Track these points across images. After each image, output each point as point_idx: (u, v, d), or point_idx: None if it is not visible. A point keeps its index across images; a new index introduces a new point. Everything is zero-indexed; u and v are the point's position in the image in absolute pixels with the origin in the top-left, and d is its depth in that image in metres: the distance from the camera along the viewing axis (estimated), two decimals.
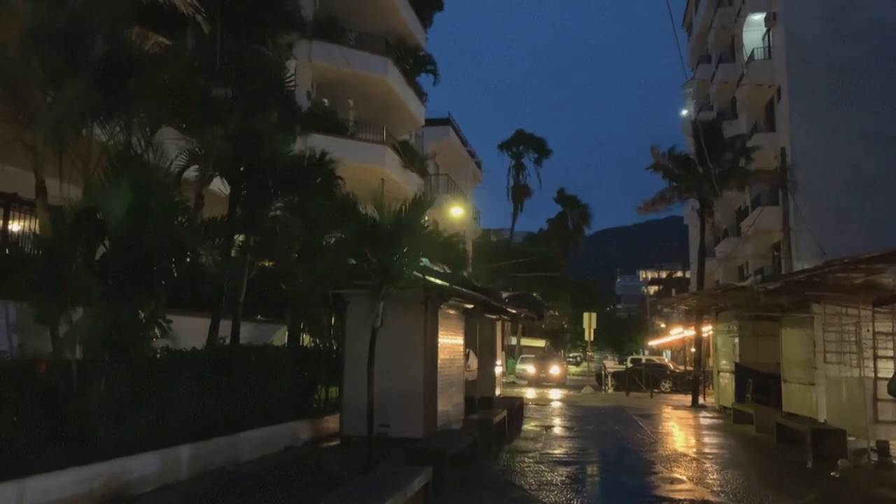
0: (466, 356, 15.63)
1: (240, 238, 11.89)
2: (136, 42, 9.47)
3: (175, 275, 9.35)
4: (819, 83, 29.33)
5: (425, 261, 11.49)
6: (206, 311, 11.55)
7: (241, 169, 11.37)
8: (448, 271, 11.03)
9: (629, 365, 38.35)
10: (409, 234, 9.96)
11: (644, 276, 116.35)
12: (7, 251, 9.80)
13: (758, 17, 32.92)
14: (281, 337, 15.05)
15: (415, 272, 10.65)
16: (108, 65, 8.58)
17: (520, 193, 60.72)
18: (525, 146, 61.37)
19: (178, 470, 9.03)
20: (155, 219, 8.28)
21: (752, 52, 33.13)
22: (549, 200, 67.36)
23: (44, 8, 8.14)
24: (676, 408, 22.59)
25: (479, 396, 17.30)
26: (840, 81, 29.16)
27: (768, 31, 32.44)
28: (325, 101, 24.94)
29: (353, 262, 10.54)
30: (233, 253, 11.80)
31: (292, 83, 12.83)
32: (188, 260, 10.91)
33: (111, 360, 8.23)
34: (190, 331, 10.57)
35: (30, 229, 9.94)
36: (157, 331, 8.64)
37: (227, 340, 11.42)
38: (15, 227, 10.20)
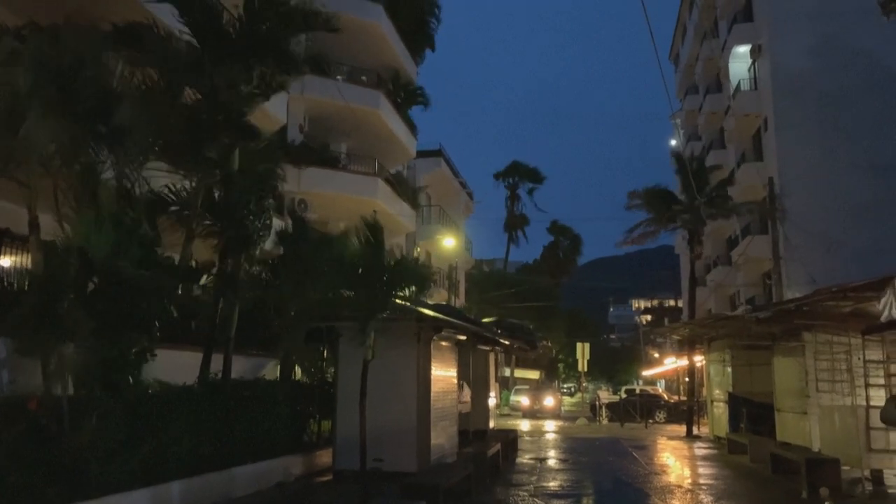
0: (460, 388, 15.56)
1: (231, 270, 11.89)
2: (125, 78, 9.58)
3: (166, 311, 9.34)
4: (805, 113, 29.73)
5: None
6: (198, 346, 11.51)
7: (227, 203, 11.41)
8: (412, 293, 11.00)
9: (623, 395, 38.22)
10: (376, 263, 9.98)
11: (637, 305, 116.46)
12: None
13: (743, 49, 33.45)
14: (273, 371, 14.98)
15: (397, 301, 10.62)
16: (96, 101, 8.66)
17: (516, 223, 60.98)
18: (520, 177, 61.78)
19: None
20: (142, 255, 8.29)
21: (739, 83, 33.61)
22: (540, 231, 67.78)
23: (35, 47, 8.25)
24: (671, 438, 22.50)
25: (473, 429, 17.20)
26: (827, 111, 29.55)
27: (754, 62, 32.97)
28: (304, 127, 25.02)
29: (342, 294, 10.56)
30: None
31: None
32: (179, 293, 10.95)
33: (103, 396, 8.19)
34: (181, 365, 10.54)
35: (22, 265, 9.93)
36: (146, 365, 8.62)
37: (219, 375, 11.37)
38: (5, 262, 10.19)
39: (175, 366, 9.96)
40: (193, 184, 10.69)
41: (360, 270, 9.91)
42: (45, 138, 8.11)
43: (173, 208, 11.13)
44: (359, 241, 10.14)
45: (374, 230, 10.19)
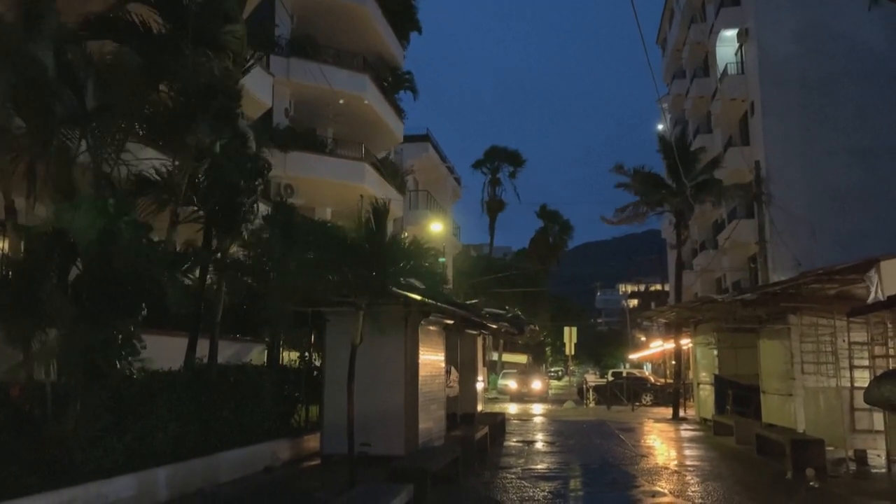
0: (448, 372, 15.57)
1: (217, 254, 11.79)
2: (94, 56, 9.40)
3: (150, 295, 9.22)
4: (792, 98, 29.82)
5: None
6: (183, 331, 11.42)
7: (212, 187, 11.27)
8: (422, 286, 10.94)
9: (610, 378, 38.42)
10: (385, 247, 9.90)
11: (624, 289, 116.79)
12: None
13: (730, 33, 33.44)
14: (260, 355, 14.91)
15: (394, 287, 10.56)
16: (67, 80, 8.50)
17: (495, 208, 60.98)
18: (499, 160, 61.75)
19: (156, 492, 8.88)
20: (126, 240, 8.17)
21: (726, 67, 33.61)
22: (528, 216, 67.81)
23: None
24: (657, 421, 22.65)
25: (460, 413, 17.22)
26: (813, 96, 29.65)
27: (741, 46, 32.96)
28: (290, 111, 24.76)
29: (333, 278, 10.46)
30: (209, 270, 11.70)
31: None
32: (164, 279, 10.82)
33: (87, 382, 8.10)
34: (166, 351, 10.44)
35: (2, 250, 9.78)
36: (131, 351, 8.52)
37: (205, 360, 11.29)
38: None
39: (160, 351, 9.86)
40: (177, 165, 10.55)
41: (364, 254, 9.75)
42: (11, 120, 7.95)
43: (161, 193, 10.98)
44: (365, 226, 9.98)
45: (378, 215, 10.03)
